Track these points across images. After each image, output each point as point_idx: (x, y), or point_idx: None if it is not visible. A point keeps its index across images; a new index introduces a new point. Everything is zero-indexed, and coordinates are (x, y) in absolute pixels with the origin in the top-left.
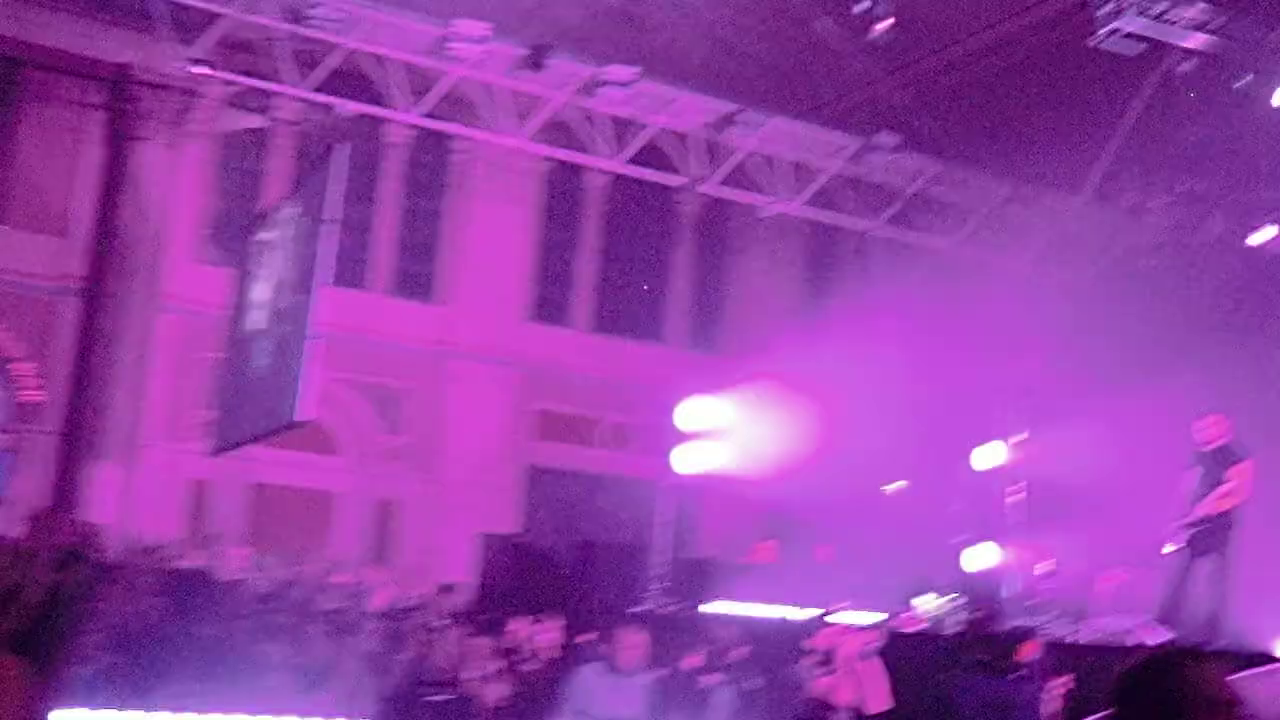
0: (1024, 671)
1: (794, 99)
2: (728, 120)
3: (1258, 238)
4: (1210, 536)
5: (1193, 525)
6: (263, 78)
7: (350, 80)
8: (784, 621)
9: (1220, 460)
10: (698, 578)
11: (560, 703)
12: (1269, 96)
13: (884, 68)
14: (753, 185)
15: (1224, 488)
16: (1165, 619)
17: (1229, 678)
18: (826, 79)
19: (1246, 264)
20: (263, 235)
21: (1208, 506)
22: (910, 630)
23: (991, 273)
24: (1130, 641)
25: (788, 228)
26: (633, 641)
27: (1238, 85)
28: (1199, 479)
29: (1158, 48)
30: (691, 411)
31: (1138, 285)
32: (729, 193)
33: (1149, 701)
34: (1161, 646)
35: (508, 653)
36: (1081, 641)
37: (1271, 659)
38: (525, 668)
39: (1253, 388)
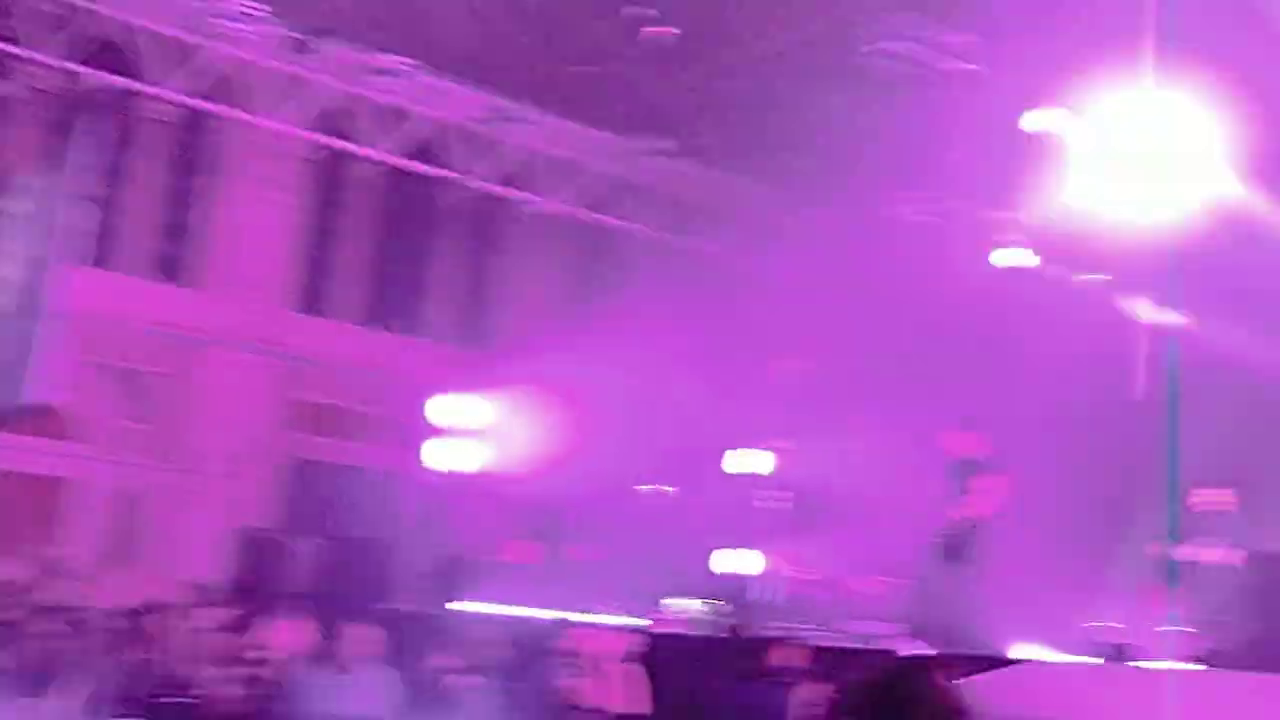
0: (775, 677)
1: (568, 98)
2: (499, 116)
3: (1004, 258)
4: (960, 544)
5: (943, 533)
6: (9, 40)
7: (110, 50)
8: (537, 621)
9: (970, 471)
10: (452, 576)
11: (291, 704)
12: (1018, 120)
13: (659, 73)
14: (523, 182)
15: (973, 497)
16: (916, 627)
17: (964, 681)
18: (602, 80)
19: (994, 283)
20: (5, 207)
21: (957, 515)
22: (665, 633)
23: (760, 280)
24: (882, 647)
25: (557, 227)
26: (361, 638)
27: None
28: (950, 488)
29: (920, 68)
30: (448, 407)
31: (896, 299)
32: (499, 189)
33: (881, 710)
34: (901, 655)
35: (250, 653)
36: (835, 647)
37: (1010, 661)
38: (266, 669)
39: (1000, 402)
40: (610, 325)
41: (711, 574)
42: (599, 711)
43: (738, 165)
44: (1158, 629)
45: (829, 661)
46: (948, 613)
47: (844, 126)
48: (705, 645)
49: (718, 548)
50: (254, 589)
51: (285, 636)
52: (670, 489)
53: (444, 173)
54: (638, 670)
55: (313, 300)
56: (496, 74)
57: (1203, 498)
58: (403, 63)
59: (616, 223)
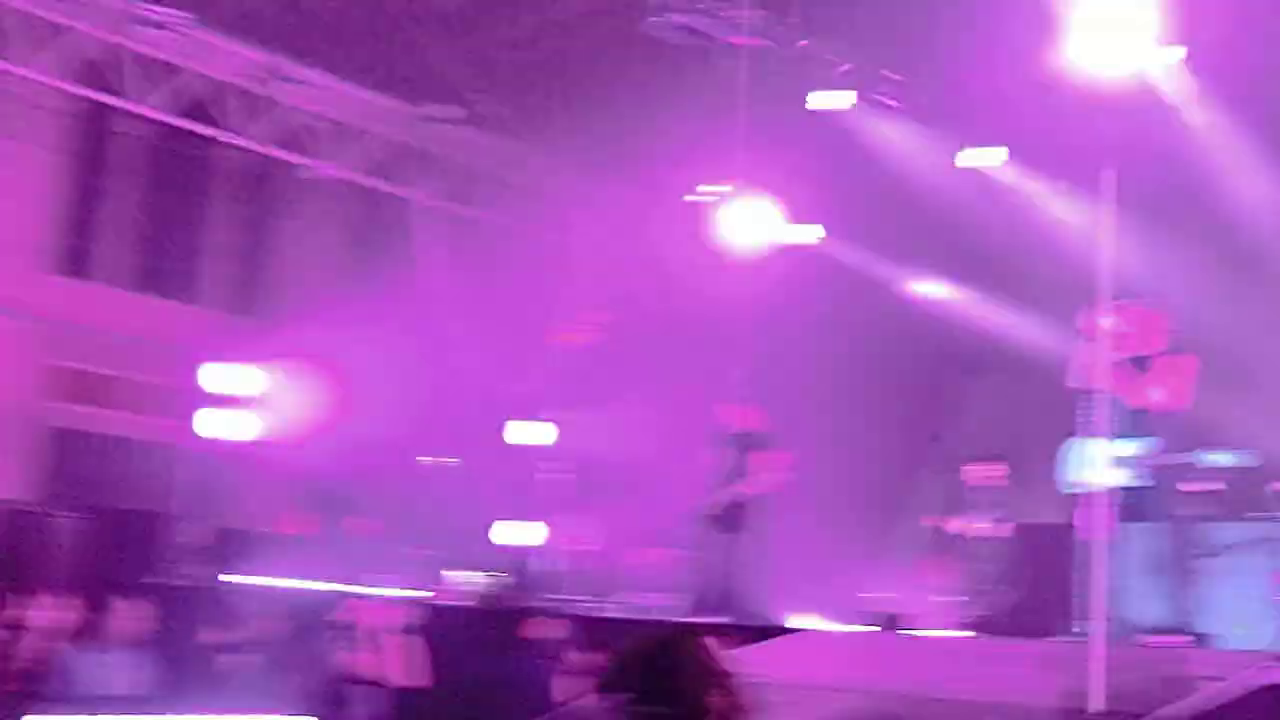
0: (533, 649)
1: (351, 61)
2: (278, 76)
3: (791, 235)
4: (736, 518)
5: (719, 506)
6: None
7: None
8: (314, 594)
9: (746, 445)
10: (227, 548)
11: (53, 684)
12: (805, 99)
13: (444, 37)
14: (303, 146)
15: (752, 472)
16: (684, 597)
17: (737, 650)
18: (386, 43)
19: (783, 260)
20: None
21: (732, 489)
22: (445, 605)
23: (544, 250)
24: (656, 618)
25: (338, 192)
26: (128, 614)
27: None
28: (725, 461)
29: (708, 44)
30: (222, 375)
31: (682, 273)
32: (277, 152)
33: (650, 676)
34: (669, 623)
35: (2, 633)
36: (608, 617)
37: (785, 630)
38: (25, 648)
39: (781, 376)
40: (392, 294)
41: (493, 546)
42: (377, 684)
43: (524, 134)
44: (931, 598)
45: (602, 632)
46: (722, 584)
47: (632, 98)
48: (482, 617)
49: (499, 519)
50: (12, 566)
51: (47, 614)
52: (452, 460)
53: (218, 133)
54: (417, 642)
55: (76, 263)
56: (276, 33)
57: (975, 472)
58: (173, 14)
59: (399, 190)
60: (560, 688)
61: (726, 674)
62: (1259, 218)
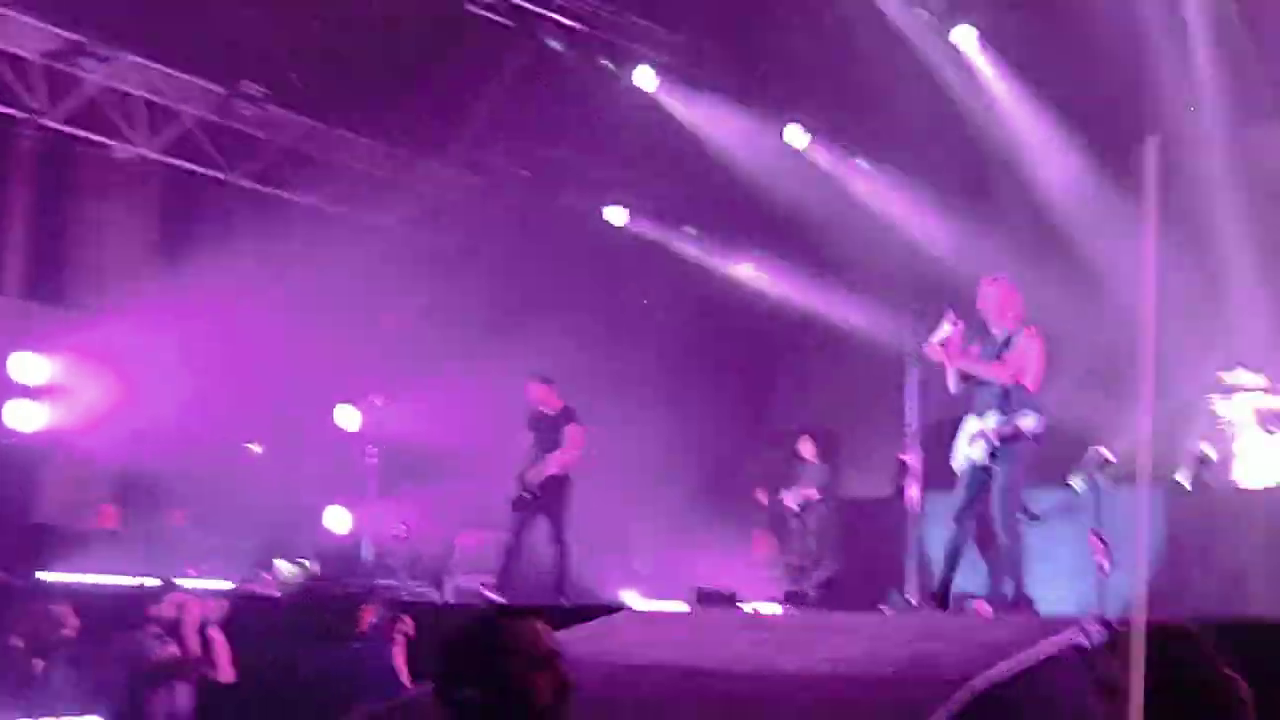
0: (369, 638)
1: (155, 37)
2: (75, 50)
3: (611, 215)
4: (547, 497)
5: (530, 487)
6: None
7: None
8: (126, 590)
9: (554, 423)
10: (33, 544)
11: None
12: (629, 77)
13: (252, 15)
14: (104, 125)
15: (559, 450)
16: (503, 579)
17: (563, 631)
18: (192, 19)
19: (601, 239)
20: None
21: (543, 469)
22: (262, 596)
23: (360, 233)
24: (481, 601)
25: (145, 173)
26: None
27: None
28: (534, 441)
29: (528, 20)
30: (23, 366)
31: (499, 252)
32: (77, 131)
33: (475, 661)
34: (491, 606)
35: None
36: (438, 603)
37: (618, 608)
38: None
39: (605, 354)
40: (206, 277)
41: (312, 533)
42: (183, 680)
43: (338, 115)
44: (761, 573)
45: (430, 618)
46: (538, 565)
47: (449, 78)
48: (295, 607)
49: (318, 506)
50: None
51: None
52: (263, 448)
53: (20, 113)
54: (222, 636)
55: None
56: (82, 10)
57: (803, 447)
58: None
59: (208, 171)
60: (394, 676)
61: (552, 655)
62: (1063, 196)
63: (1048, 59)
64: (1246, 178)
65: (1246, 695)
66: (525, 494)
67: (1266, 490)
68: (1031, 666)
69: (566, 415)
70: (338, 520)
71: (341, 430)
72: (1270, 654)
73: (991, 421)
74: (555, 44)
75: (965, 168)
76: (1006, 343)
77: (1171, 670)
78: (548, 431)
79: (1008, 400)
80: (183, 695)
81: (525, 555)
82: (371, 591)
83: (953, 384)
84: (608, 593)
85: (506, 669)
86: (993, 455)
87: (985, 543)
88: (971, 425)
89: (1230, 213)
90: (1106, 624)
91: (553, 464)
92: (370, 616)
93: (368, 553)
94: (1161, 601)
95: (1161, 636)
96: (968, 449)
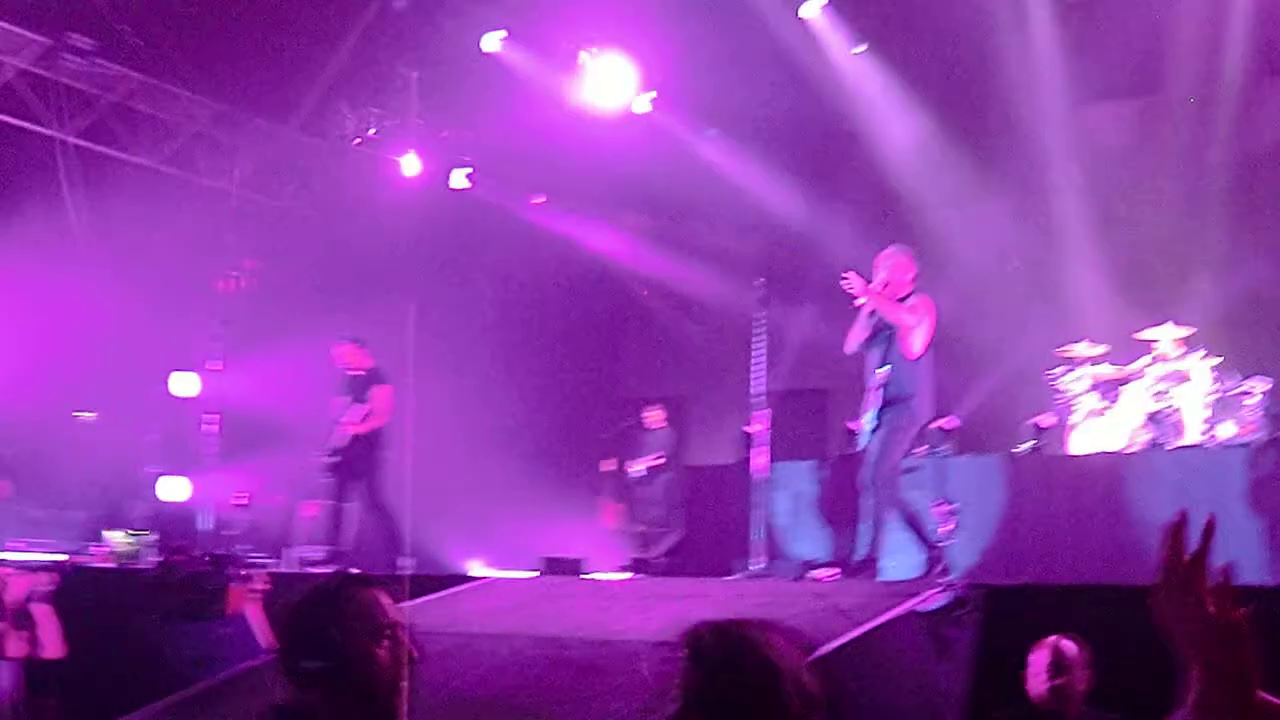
0: (198, 610)
1: None
2: None
3: (456, 179)
4: (358, 460)
5: (339, 451)
6: None
7: None
8: None
9: (364, 385)
10: None
11: None
12: (478, 39)
13: None
14: None
15: (364, 409)
16: (333, 548)
17: (409, 602)
18: None
19: (447, 203)
20: None
21: (350, 430)
22: (97, 568)
23: (196, 194)
24: (322, 571)
25: None
26: None
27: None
28: (346, 404)
29: None
30: None
31: (343, 217)
32: None
33: (316, 632)
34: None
35: None
36: (282, 572)
37: (465, 578)
38: None
39: (451, 321)
40: (28, 239)
41: (147, 503)
42: (22, 658)
43: (172, 72)
44: (608, 540)
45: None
46: (364, 531)
47: (289, 36)
48: (146, 582)
49: (155, 475)
50: None
51: None
52: (96, 416)
53: None
54: (50, 611)
55: None
56: None
57: (648, 416)
58: None
59: (32, 127)
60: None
61: (394, 625)
62: (908, 165)
63: (893, 31)
64: (1083, 155)
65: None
66: (331, 457)
67: (1105, 457)
68: (873, 631)
69: (374, 375)
70: (175, 489)
71: (179, 398)
72: (1108, 617)
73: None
74: (401, 3)
75: (812, 137)
76: (903, 301)
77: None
78: (358, 393)
79: (892, 369)
80: (5, 671)
81: (343, 521)
82: (237, 569)
83: (853, 343)
84: (455, 562)
85: (347, 639)
86: (876, 420)
87: (825, 508)
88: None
89: (1068, 188)
90: (948, 589)
91: (353, 423)
92: (239, 598)
93: (207, 522)
94: (1004, 567)
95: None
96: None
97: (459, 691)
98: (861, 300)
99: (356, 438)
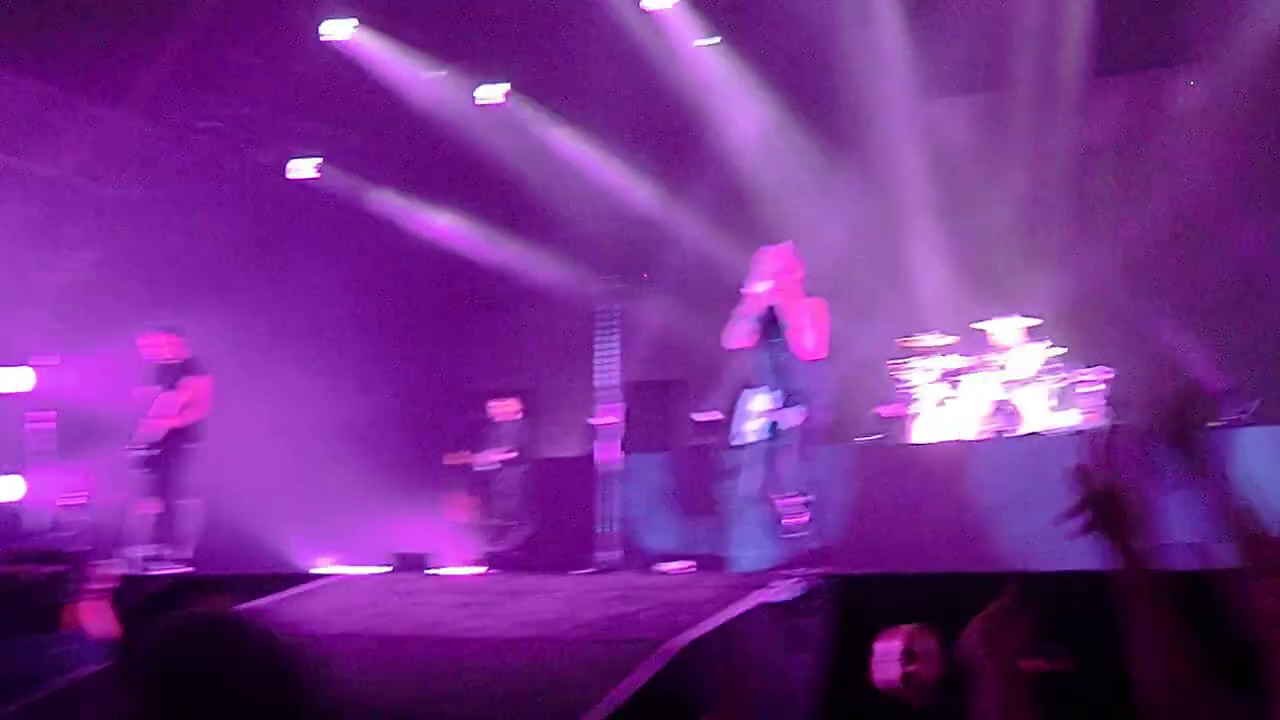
0: (26, 615)
1: None
2: None
3: (301, 169)
4: (173, 451)
5: (155, 444)
6: None
7: None
8: None
9: (177, 375)
10: None
11: None
12: (317, 29)
13: None
14: None
15: (179, 400)
16: (166, 546)
17: (255, 602)
18: None
19: (286, 194)
20: None
21: (165, 423)
22: None
23: (23, 180)
24: (164, 572)
25: None
26: None
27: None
28: (159, 394)
29: None
30: None
31: (185, 206)
32: None
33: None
34: (172, 579)
35: None
36: (124, 573)
37: (313, 576)
38: None
39: (295, 312)
40: None
41: None
42: None
43: (12, 56)
44: (457, 536)
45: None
46: (181, 527)
47: (130, 23)
48: None
49: None
50: None
51: None
52: None
53: None
54: None
55: None
56: None
57: (499, 409)
58: None
59: None
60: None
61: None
62: (756, 157)
63: (741, 23)
64: (929, 148)
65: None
66: (146, 451)
67: (952, 446)
68: (725, 624)
69: (189, 366)
70: (7, 488)
71: (11, 393)
72: (957, 604)
73: (767, 401)
74: None
75: (661, 129)
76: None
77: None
78: (173, 384)
79: (787, 373)
80: None
81: (185, 517)
82: (74, 577)
83: (735, 339)
84: (303, 560)
85: (218, 662)
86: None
87: (674, 502)
88: (759, 402)
89: (913, 181)
90: (799, 580)
91: (169, 415)
92: (83, 615)
93: (42, 522)
94: (854, 557)
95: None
96: (753, 423)
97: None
98: (761, 288)
99: (172, 430)
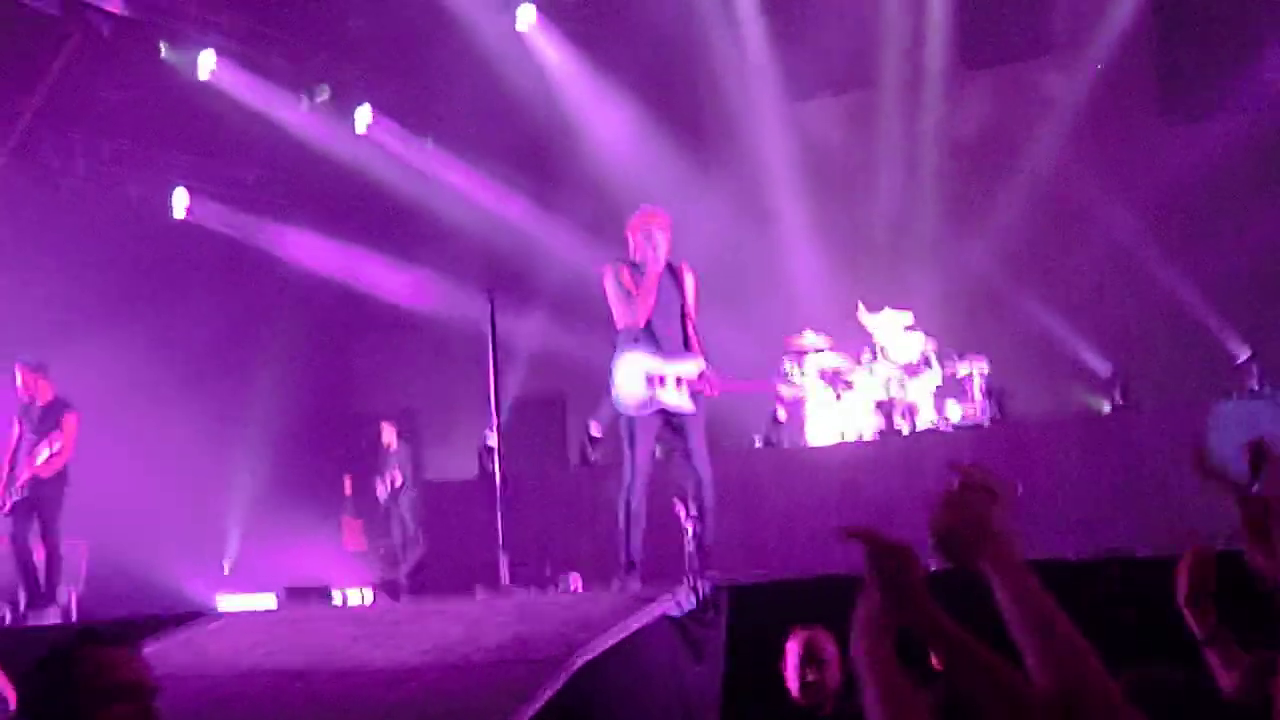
0: None
1: None
2: None
3: (176, 202)
4: (44, 493)
5: (25, 485)
6: None
7: None
8: None
9: (46, 414)
10: None
11: None
12: (192, 67)
13: None
14: None
15: (55, 444)
16: (26, 588)
17: (148, 644)
18: None
19: (161, 227)
20: None
21: (40, 465)
22: None
23: None
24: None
25: None
26: None
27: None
28: (26, 435)
29: (80, 7)
30: None
31: (57, 244)
32: None
33: (48, 697)
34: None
35: None
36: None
37: (206, 613)
38: None
39: (176, 345)
40: None
41: None
42: None
43: None
44: (352, 563)
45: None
46: (46, 570)
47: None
48: None
49: None
50: None
51: None
52: None
53: None
54: None
55: None
56: None
57: (384, 432)
58: None
59: None
60: None
61: (133, 685)
62: (623, 169)
63: (606, 33)
64: (801, 148)
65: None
66: (18, 495)
67: (835, 447)
68: (625, 639)
69: (61, 405)
70: None
71: None
72: (844, 607)
73: (691, 367)
74: (108, 30)
75: (530, 145)
76: (674, 274)
77: None
78: (40, 423)
79: (690, 347)
80: None
81: (31, 561)
82: None
83: (644, 313)
84: (198, 594)
85: (80, 705)
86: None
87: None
88: (653, 365)
89: (786, 182)
90: (695, 590)
91: (46, 461)
92: None
93: None
94: (748, 563)
95: None
96: (665, 393)
97: None
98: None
99: (48, 472)
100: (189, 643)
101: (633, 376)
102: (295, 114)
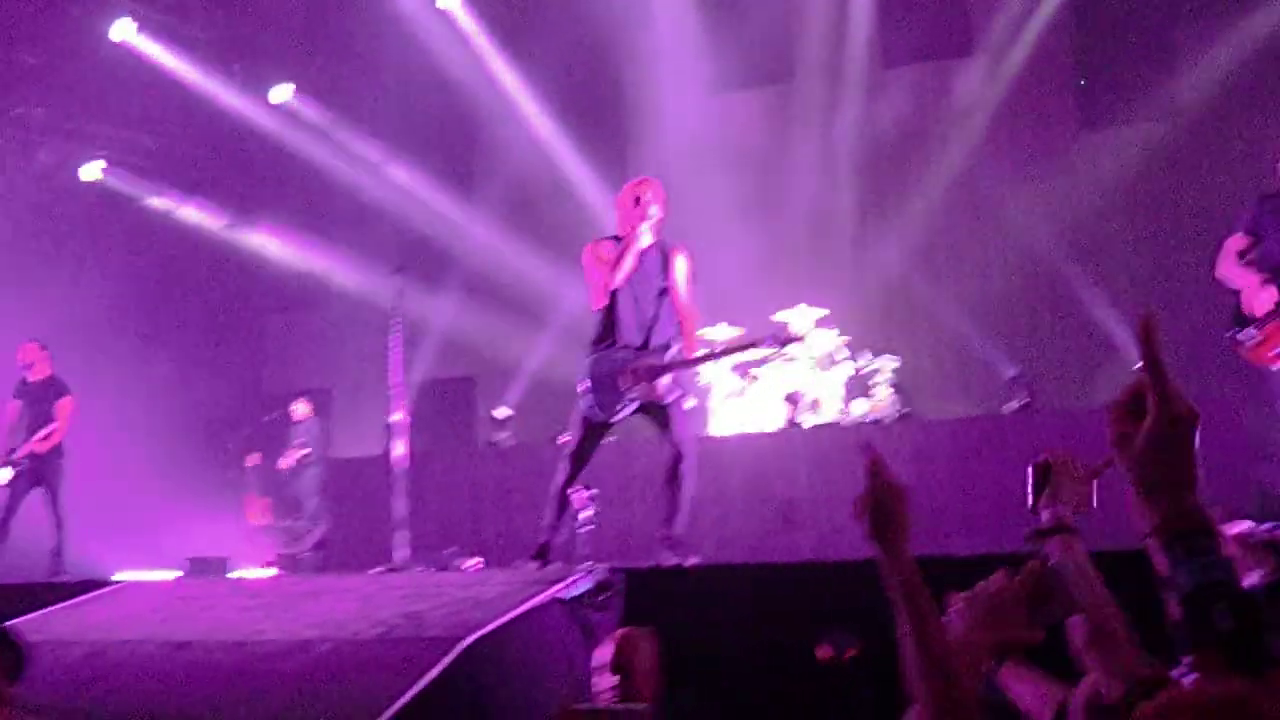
0: None
1: None
2: None
3: (87, 172)
4: (41, 470)
5: (22, 459)
6: None
7: None
8: None
9: (43, 392)
10: None
11: None
12: (107, 29)
13: None
14: None
15: (51, 424)
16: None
17: (42, 610)
18: None
19: (71, 196)
20: None
21: (37, 442)
22: None
23: None
24: None
25: None
26: None
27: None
28: (23, 410)
29: None
30: None
31: None
32: None
33: None
34: None
35: None
36: None
37: (100, 584)
38: None
39: (87, 317)
40: None
41: None
42: None
43: None
44: (254, 537)
45: None
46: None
47: None
48: None
49: None
50: None
51: None
52: None
53: None
54: None
55: None
56: None
57: (294, 409)
58: None
59: None
60: None
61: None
62: (542, 152)
63: (529, 23)
64: (720, 142)
65: None
66: (18, 467)
67: (744, 438)
68: (517, 619)
69: (58, 387)
70: None
71: None
72: (751, 595)
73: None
74: None
75: (449, 127)
76: (664, 255)
77: None
78: (37, 401)
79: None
80: None
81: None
82: None
83: (621, 278)
84: (99, 567)
85: None
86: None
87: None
88: (622, 365)
89: (704, 175)
90: (590, 574)
91: (45, 439)
92: None
93: None
94: (646, 550)
95: None
96: (636, 391)
97: (87, 706)
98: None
99: (44, 449)
100: (74, 611)
101: (601, 382)
102: (210, 85)
